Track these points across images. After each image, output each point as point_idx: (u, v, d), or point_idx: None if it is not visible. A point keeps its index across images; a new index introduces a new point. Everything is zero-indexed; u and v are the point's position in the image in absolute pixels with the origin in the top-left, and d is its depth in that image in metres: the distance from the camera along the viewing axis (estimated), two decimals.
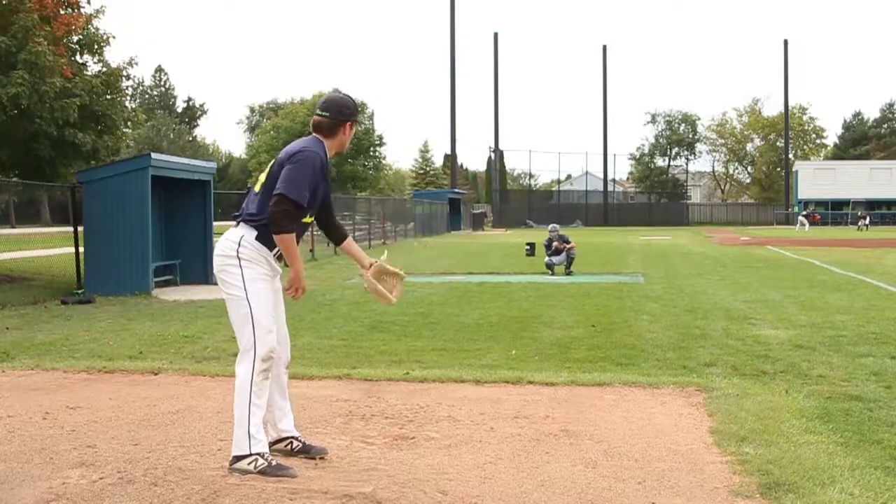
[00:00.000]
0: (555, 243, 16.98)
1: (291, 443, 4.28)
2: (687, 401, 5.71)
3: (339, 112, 4.14)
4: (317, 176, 4.02)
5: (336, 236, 4.46)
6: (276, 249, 4.08)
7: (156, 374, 6.80)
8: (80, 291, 12.95)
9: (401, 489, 3.90)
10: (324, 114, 4.12)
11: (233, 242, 4.07)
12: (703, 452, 4.50)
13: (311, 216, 4.22)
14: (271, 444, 4.27)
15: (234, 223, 4.17)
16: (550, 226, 18.20)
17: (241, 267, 4.04)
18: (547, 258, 17.05)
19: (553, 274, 16.56)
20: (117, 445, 4.66)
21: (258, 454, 4.02)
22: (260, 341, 4.01)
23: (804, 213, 54.58)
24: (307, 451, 4.28)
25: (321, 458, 4.25)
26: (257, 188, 4.12)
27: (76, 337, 8.84)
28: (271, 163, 4.13)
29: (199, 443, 4.70)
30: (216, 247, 4.16)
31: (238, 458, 4.05)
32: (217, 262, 4.12)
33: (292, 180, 3.94)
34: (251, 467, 4.00)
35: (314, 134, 4.18)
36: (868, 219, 52.16)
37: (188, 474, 4.12)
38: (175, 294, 13.27)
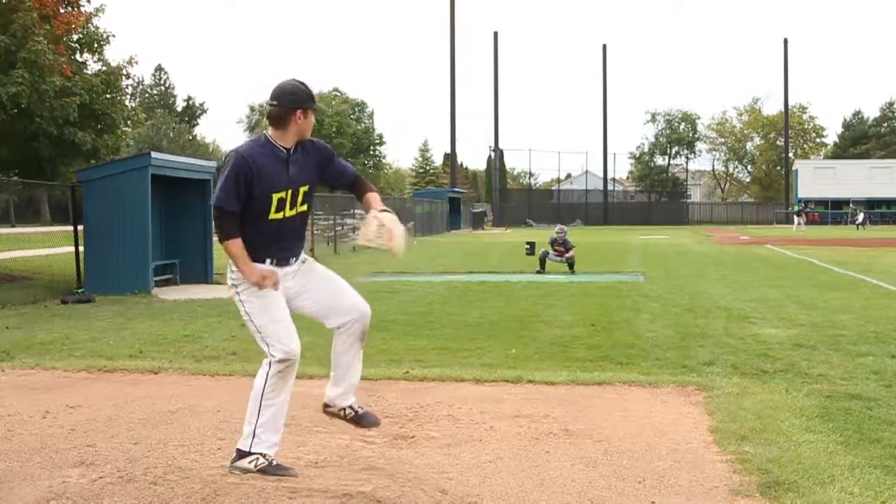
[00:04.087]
0: (556, 245, 17.09)
1: (345, 410, 4.32)
2: (687, 400, 5.71)
3: (288, 101, 4.02)
4: (244, 177, 3.92)
5: (357, 195, 4.38)
6: (268, 260, 4.03)
7: (156, 374, 6.81)
8: (79, 291, 12.94)
9: (401, 489, 3.90)
10: (272, 102, 4.03)
11: (229, 269, 4.09)
12: (703, 451, 4.50)
13: (284, 210, 4.07)
14: (326, 407, 4.34)
15: None
16: (557, 226, 18.26)
17: (237, 292, 4.05)
18: (543, 251, 17.12)
19: (543, 271, 16.56)
20: (117, 444, 4.67)
21: (259, 454, 4.02)
22: (273, 348, 4.01)
23: (797, 210, 54.64)
24: (359, 420, 4.34)
25: (373, 427, 4.39)
26: None
27: (76, 336, 8.84)
28: None
29: (198, 442, 4.70)
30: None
31: (240, 454, 4.02)
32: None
33: (218, 188, 3.98)
34: (251, 466, 3.99)
35: (260, 133, 4.15)
36: (862, 216, 51.94)
37: (188, 473, 4.12)
38: (175, 293, 13.26)
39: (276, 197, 4.02)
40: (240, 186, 3.93)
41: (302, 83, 4.11)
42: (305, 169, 4.14)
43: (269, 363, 4.01)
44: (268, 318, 4.02)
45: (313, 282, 4.21)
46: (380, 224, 4.04)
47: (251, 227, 3.98)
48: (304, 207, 4.17)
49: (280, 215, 4.06)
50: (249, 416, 4.03)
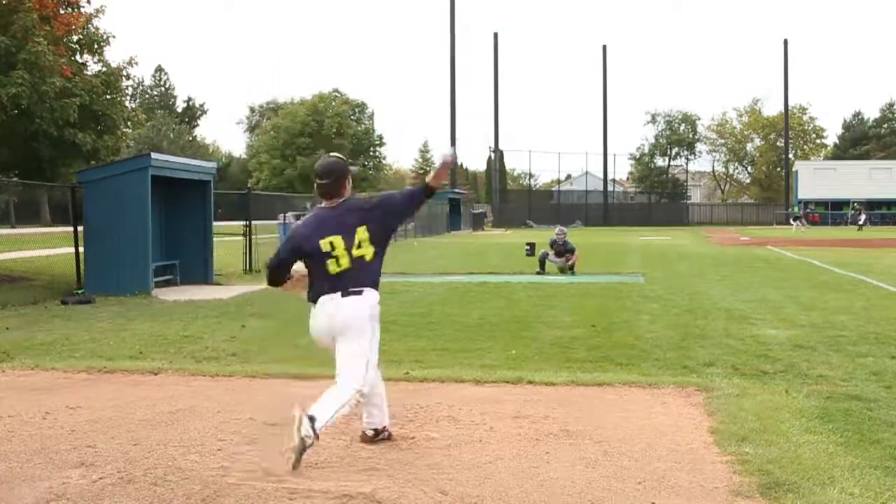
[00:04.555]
0: (556, 246, 17.02)
1: (385, 430, 4.82)
2: (687, 401, 5.71)
3: (336, 175, 4.66)
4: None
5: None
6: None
7: (156, 374, 6.81)
8: (80, 291, 12.94)
9: (401, 489, 3.90)
10: (324, 181, 4.63)
11: (372, 305, 4.66)
12: (703, 452, 4.50)
13: (334, 266, 4.54)
14: (377, 434, 4.76)
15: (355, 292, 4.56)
16: (557, 227, 18.19)
17: (373, 326, 4.68)
18: (543, 252, 17.04)
19: (543, 272, 16.53)
20: (117, 445, 4.67)
21: (315, 430, 4.10)
22: (362, 382, 4.50)
23: (795, 214, 54.84)
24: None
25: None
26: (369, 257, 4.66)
27: (76, 337, 8.84)
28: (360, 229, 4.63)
29: (198, 443, 4.70)
30: (355, 305, 4.57)
31: (312, 420, 4.13)
32: (355, 315, 4.57)
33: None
34: (305, 432, 4.06)
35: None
36: (864, 216, 51.92)
37: (188, 474, 4.12)
38: (175, 294, 13.27)
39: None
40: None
41: (339, 157, 4.82)
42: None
43: (358, 391, 4.44)
44: (375, 357, 4.67)
45: None
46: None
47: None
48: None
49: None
50: (330, 407, 4.29)
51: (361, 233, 4.58)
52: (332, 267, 4.52)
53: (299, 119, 59.69)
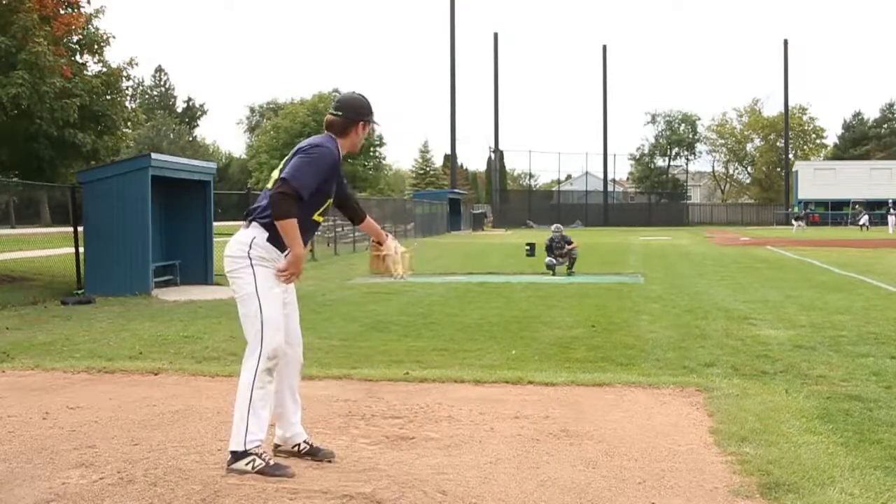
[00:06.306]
0: (555, 244, 16.99)
1: (299, 446, 4.30)
2: (687, 401, 5.71)
3: (354, 112, 4.19)
4: (327, 173, 4.03)
5: (356, 217, 4.58)
6: (286, 251, 4.02)
7: (156, 374, 6.80)
8: (80, 291, 12.94)
9: (401, 489, 3.90)
10: (337, 113, 4.16)
11: (244, 244, 4.05)
12: (703, 452, 4.50)
13: (321, 215, 4.19)
14: (278, 447, 4.31)
15: (243, 223, 4.14)
16: (554, 226, 18.19)
17: (252, 266, 4.03)
18: (548, 259, 17.02)
19: (553, 274, 16.57)
20: (117, 445, 4.66)
21: (256, 454, 4.00)
22: (267, 339, 4.02)
23: (797, 214, 55.02)
24: (314, 454, 4.27)
25: (328, 461, 4.24)
26: (270, 185, 4.04)
27: (76, 337, 8.84)
28: (285, 159, 4.09)
29: (199, 443, 4.70)
30: (226, 247, 4.13)
31: (235, 456, 4.02)
32: (227, 262, 4.12)
33: (299, 170, 3.94)
34: (249, 468, 3.99)
35: (327, 133, 4.19)
36: (867, 217, 51.92)
37: (188, 474, 4.11)
38: (175, 294, 13.27)
39: (328, 200, 4.19)
40: (321, 180, 3.99)
41: (363, 96, 4.27)
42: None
43: (259, 357, 4.03)
44: (275, 307, 4.05)
45: (289, 297, 4.26)
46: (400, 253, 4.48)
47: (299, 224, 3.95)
48: None
49: (319, 218, 4.21)
50: (240, 415, 4.02)
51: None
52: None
53: (299, 119, 59.60)
